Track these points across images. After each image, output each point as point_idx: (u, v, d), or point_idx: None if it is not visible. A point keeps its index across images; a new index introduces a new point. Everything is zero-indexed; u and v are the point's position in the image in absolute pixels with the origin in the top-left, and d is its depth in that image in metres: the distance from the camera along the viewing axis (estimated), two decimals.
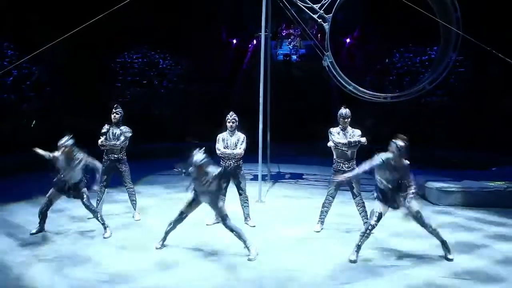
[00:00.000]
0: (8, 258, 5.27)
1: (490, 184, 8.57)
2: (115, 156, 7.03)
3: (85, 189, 6.20)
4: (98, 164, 6.31)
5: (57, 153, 6.04)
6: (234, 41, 21.14)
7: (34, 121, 13.49)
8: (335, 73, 8.40)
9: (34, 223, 6.33)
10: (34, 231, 6.19)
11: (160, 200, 8.71)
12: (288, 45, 21.99)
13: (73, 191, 6.16)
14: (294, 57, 21.80)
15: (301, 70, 20.53)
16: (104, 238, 6.04)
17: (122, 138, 7.02)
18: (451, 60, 8.56)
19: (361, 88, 8.51)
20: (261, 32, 8.59)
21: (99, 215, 6.23)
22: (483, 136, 13.98)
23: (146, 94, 18.00)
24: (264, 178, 9.82)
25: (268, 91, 9.73)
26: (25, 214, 7.18)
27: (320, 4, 8.18)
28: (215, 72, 20.12)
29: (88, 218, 6.90)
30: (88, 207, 6.18)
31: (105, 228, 6.19)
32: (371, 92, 8.58)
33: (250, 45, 20.75)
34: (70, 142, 6.02)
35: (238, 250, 5.51)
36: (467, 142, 14.28)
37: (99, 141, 6.97)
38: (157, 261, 5.24)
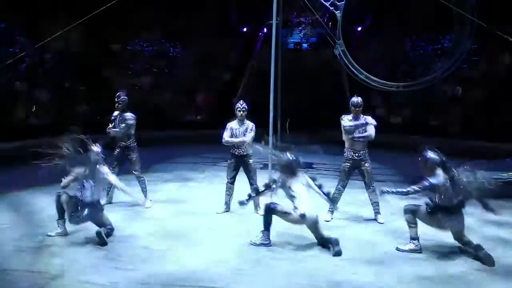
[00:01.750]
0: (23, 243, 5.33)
1: (504, 174, 8.43)
2: (124, 143, 7.06)
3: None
4: None
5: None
6: (245, 29, 21.00)
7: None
8: (346, 61, 8.29)
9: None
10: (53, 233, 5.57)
11: (170, 188, 8.74)
12: (298, 33, 21.76)
13: None
14: (305, 45, 21.60)
15: (312, 58, 20.35)
16: (47, 235, 5.50)
17: (122, 125, 6.99)
18: (465, 49, 8.38)
19: (372, 77, 8.40)
20: (272, 20, 8.49)
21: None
22: (498, 126, 13.82)
23: (156, 82, 18.03)
24: (274, 167, 9.78)
25: (278, 79, 9.65)
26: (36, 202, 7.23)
27: None
28: (226, 60, 20.04)
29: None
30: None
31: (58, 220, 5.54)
32: (382, 81, 8.45)
33: (260, 33, 20.59)
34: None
35: (247, 237, 5.53)
36: (482, 132, 14.13)
37: (107, 128, 7.03)
38: (168, 249, 5.26)
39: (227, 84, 18.81)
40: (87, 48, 17.00)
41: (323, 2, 8.09)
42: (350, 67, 8.05)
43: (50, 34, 7.41)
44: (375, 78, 8.16)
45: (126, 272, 4.56)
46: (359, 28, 20.14)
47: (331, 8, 8.08)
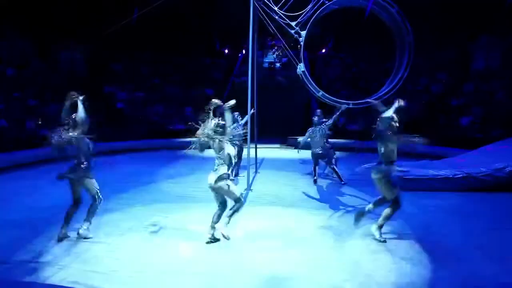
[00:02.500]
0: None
1: (441, 172, 8.63)
2: None
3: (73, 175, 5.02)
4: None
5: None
6: (226, 51, 21.07)
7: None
8: (306, 81, 8.37)
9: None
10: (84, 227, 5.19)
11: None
12: (272, 54, 22.00)
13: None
14: (278, 64, 21.82)
15: (283, 76, 20.60)
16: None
17: None
18: (403, 76, 8.47)
19: (327, 95, 8.50)
20: (249, 43, 8.60)
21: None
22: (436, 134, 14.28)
23: (149, 97, 17.92)
24: (253, 168, 9.82)
25: (255, 92, 9.73)
26: None
27: (296, 22, 8.21)
28: (210, 77, 20.09)
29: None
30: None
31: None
32: (335, 99, 8.54)
33: (240, 54, 20.69)
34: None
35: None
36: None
37: None
38: (165, 240, 5.18)
39: (210, 97, 18.86)
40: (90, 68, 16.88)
41: (289, 30, 8.24)
42: (309, 85, 8.15)
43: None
44: (329, 96, 8.29)
45: (124, 262, 4.49)
46: (323, 50, 20.44)
47: (295, 35, 8.26)
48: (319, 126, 8.74)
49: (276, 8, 8.18)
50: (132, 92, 17.67)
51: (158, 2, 9.27)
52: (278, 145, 16.73)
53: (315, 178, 9.07)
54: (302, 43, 8.15)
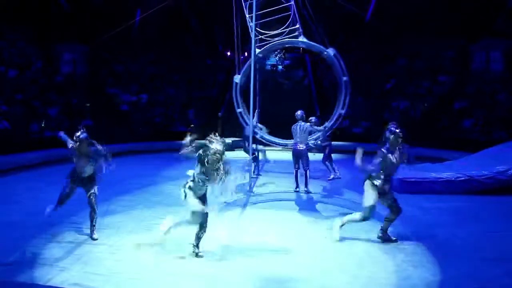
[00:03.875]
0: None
1: (443, 174, 8.60)
2: None
3: (96, 188, 5.31)
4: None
5: (74, 145, 5.19)
6: (228, 53, 21.10)
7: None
8: (234, 94, 8.46)
9: None
10: (48, 209, 5.27)
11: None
12: (274, 57, 21.96)
13: (86, 184, 5.29)
14: (280, 67, 21.80)
15: (285, 78, 20.61)
16: (93, 239, 5.17)
17: None
18: (341, 116, 8.39)
19: (244, 115, 8.46)
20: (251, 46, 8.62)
21: (96, 217, 5.27)
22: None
23: (154, 99, 17.95)
24: (254, 171, 9.79)
25: (257, 95, 9.76)
26: None
27: (258, 37, 8.34)
28: (213, 78, 20.16)
29: None
30: (92, 207, 5.24)
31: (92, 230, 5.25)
32: (247, 120, 8.44)
33: (242, 57, 20.71)
34: (84, 135, 5.15)
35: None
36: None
37: None
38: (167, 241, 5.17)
39: (214, 99, 18.89)
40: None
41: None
42: (234, 98, 8.34)
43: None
44: (245, 117, 8.37)
45: (126, 263, 4.48)
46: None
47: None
48: (300, 123, 8.00)
49: (247, 16, 8.17)
50: (134, 93, 17.70)
51: (161, 4, 9.32)
52: (280, 147, 16.73)
53: (297, 188, 8.07)
54: (253, 58, 8.17)
